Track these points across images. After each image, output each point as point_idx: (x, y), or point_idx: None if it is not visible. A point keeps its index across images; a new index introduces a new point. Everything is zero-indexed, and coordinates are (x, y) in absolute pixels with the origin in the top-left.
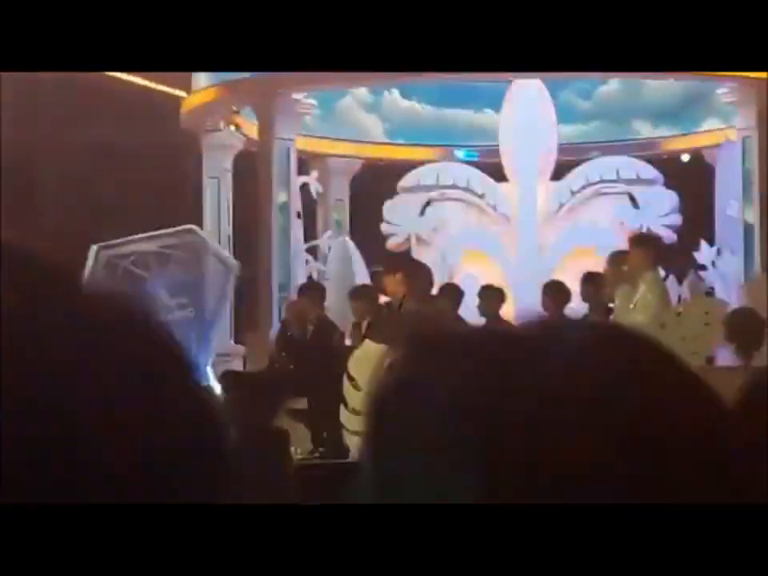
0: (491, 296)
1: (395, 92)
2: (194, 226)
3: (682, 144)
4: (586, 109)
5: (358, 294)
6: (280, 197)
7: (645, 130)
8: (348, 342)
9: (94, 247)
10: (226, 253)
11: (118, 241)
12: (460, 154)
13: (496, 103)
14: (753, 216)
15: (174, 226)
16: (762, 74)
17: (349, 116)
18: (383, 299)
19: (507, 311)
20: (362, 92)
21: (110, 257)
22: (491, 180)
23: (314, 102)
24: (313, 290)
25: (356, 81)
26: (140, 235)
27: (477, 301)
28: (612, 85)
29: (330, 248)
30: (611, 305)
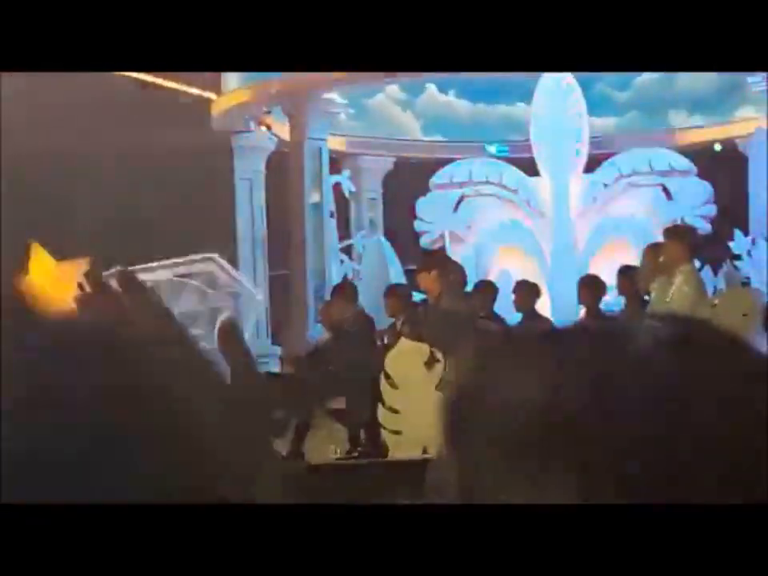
0: (526, 291)
1: (428, 88)
2: (214, 255)
3: (714, 134)
4: (618, 100)
5: (392, 292)
6: (313, 197)
7: (678, 120)
8: (385, 340)
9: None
10: (245, 282)
11: (138, 267)
12: (492, 149)
13: (529, 97)
14: None
15: (206, 230)
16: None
17: (381, 114)
18: (418, 297)
19: (543, 306)
20: (395, 89)
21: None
22: (524, 175)
23: (345, 101)
24: (346, 289)
25: (387, 78)
26: (159, 263)
27: (512, 297)
28: (645, 76)
29: (364, 247)
30: (647, 297)
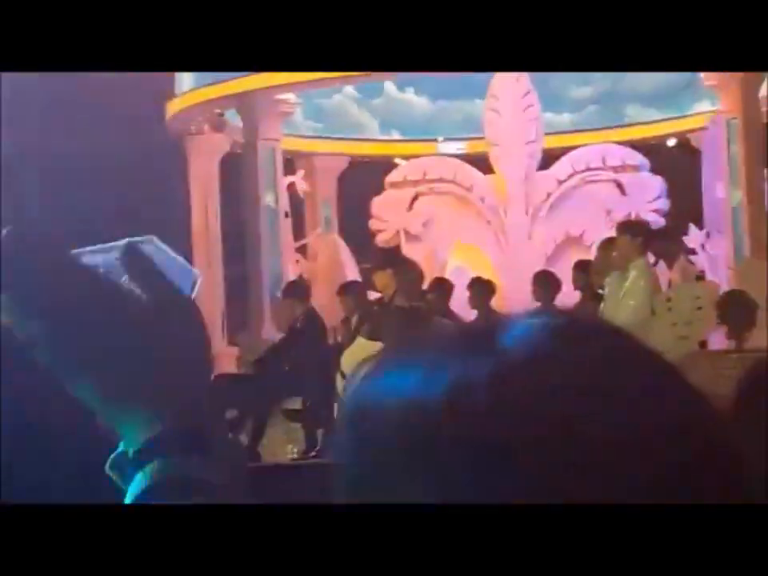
0: (481, 288)
1: (386, 86)
2: (153, 237)
3: (668, 128)
4: (573, 96)
5: (347, 290)
6: (267, 197)
7: (631, 115)
8: (339, 339)
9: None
10: (185, 263)
11: (84, 250)
12: (447, 146)
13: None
14: (740, 198)
15: (161, 231)
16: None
17: (338, 113)
18: (374, 295)
19: (498, 303)
20: (351, 89)
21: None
22: (478, 172)
23: (300, 100)
24: (297, 287)
25: (341, 81)
26: (99, 246)
27: (467, 293)
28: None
29: (319, 246)
30: (601, 291)
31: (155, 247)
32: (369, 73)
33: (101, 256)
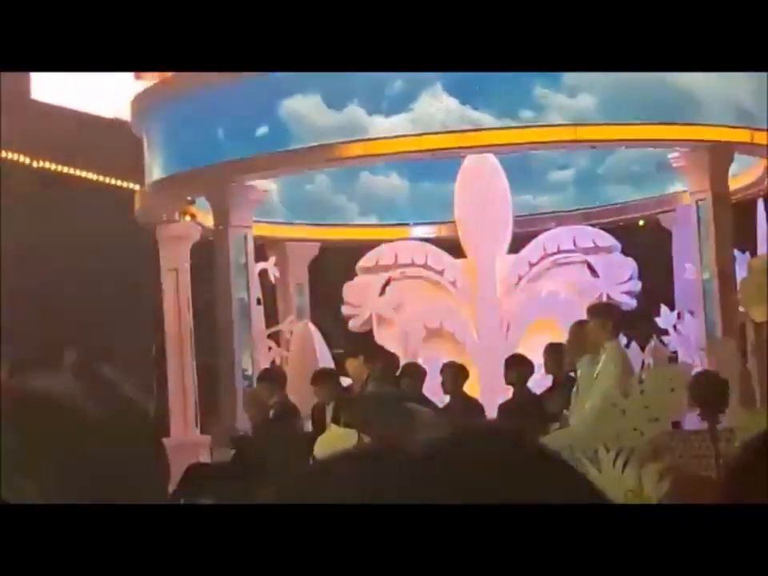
0: (453, 373)
1: (361, 174)
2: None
3: (637, 210)
4: (544, 179)
5: (319, 379)
6: (239, 284)
7: (601, 197)
8: (312, 426)
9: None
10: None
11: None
12: (418, 231)
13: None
14: (710, 279)
15: (135, 321)
16: (712, 137)
17: (312, 198)
18: (346, 382)
19: (472, 387)
20: (324, 177)
21: None
22: (449, 256)
23: (272, 186)
24: (273, 375)
25: (307, 165)
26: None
27: (440, 378)
28: (570, 155)
29: (291, 333)
30: (573, 375)
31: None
32: (343, 159)
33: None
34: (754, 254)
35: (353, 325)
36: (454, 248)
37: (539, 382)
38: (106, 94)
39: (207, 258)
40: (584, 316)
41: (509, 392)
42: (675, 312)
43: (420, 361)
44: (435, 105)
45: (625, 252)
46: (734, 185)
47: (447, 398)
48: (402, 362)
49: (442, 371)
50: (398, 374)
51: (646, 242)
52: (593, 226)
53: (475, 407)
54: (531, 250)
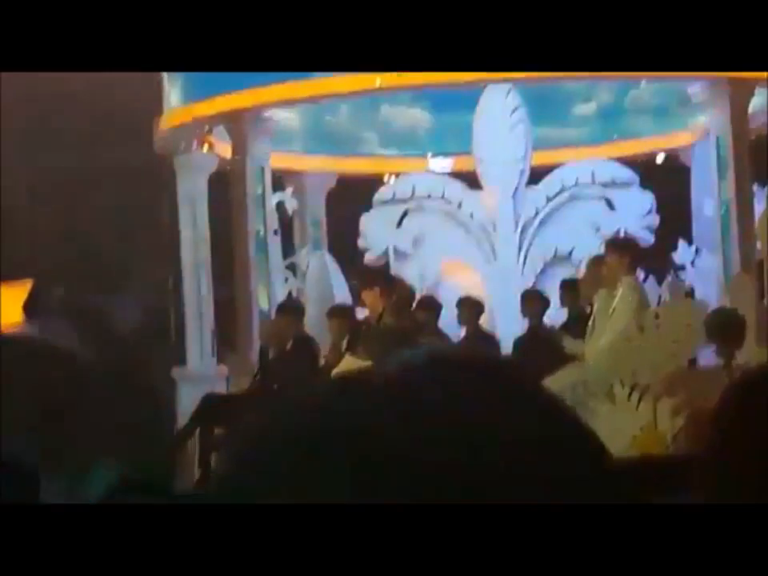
0: (469, 307)
1: (379, 102)
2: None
3: (656, 144)
4: (563, 111)
5: (336, 313)
6: (256, 215)
7: (620, 131)
8: (326, 360)
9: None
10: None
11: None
12: (435, 163)
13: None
14: (728, 214)
15: (150, 251)
16: (732, 72)
17: (331, 129)
18: (362, 314)
19: (488, 320)
20: (344, 108)
21: None
22: (467, 188)
23: (289, 115)
24: (291, 308)
25: (332, 96)
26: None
27: (456, 312)
28: (591, 86)
29: (307, 264)
30: (589, 309)
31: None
32: (364, 89)
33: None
34: None
35: (369, 257)
36: (471, 180)
37: (555, 316)
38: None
39: (224, 188)
40: (601, 250)
41: (525, 326)
42: (693, 247)
43: (436, 294)
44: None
45: (643, 187)
46: (753, 120)
47: (463, 332)
48: (418, 295)
49: (458, 305)
50: (413, 306)
51: (665, 177)
52: (611, 159)
53: (490, 341)
54: (549, 184)
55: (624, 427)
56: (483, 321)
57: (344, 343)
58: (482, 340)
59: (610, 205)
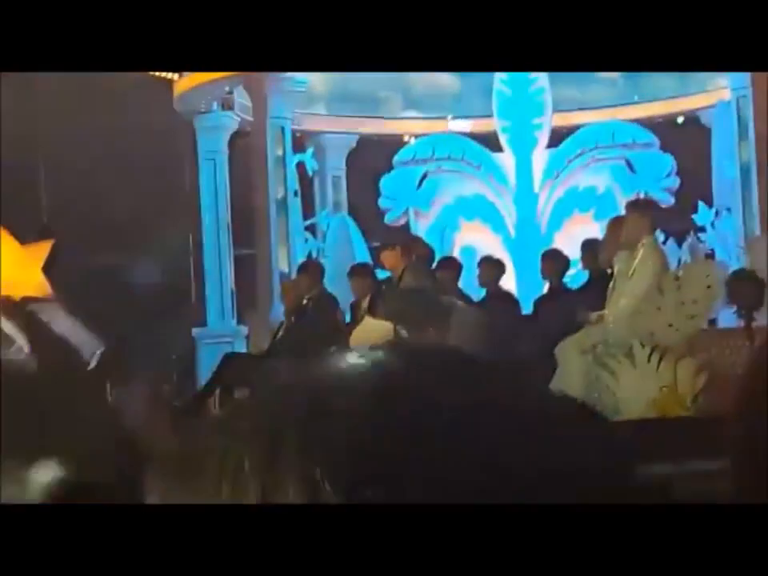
0: (490, 267)
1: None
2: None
3: (677, 106)
4: (582, 73)
5: (357, 272)
6: (276, 176)
7: (641, 93)
8: (348, 319)
9: None
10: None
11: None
12: (455, 125)
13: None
14: (749, 176)
15: (170, 211)
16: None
17: (353, 91)
18: (382, 275)
19: (508, 281)
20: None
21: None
22: (487, 150)
23: (311, 77)
24: (311, 267)
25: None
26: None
27: (477, 272)
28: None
29: (328, 225)
30: (609, 270)
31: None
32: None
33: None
34: None
35: (389, 218)
36: (492, 142)
37: (575, 277)
38: None
39: (245, 149)
40: (621, 212)
41: (544, 287)
42: (713, 209)
43: (456, 255)
44: None
45: (663, 148)
46: None
47: (483, 292)
48: (438, 256)
49: (479, 265)
50: (433, 267)
51: (685, 139)
52: (632, 121)
53: (510, 301)
54: (569, 145)
55: (644, 389)
56: (503, 282)
57: (365, 302)
58: (502, 300)
59: (630, 166)
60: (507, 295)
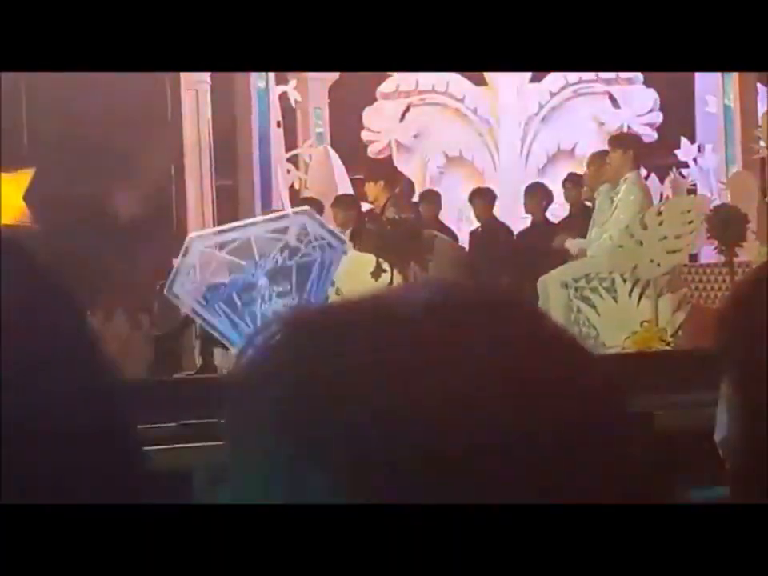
0: (482, 198)
1: None
2: (307, 208)
3: None
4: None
5: (341, 203)
6: (259, 107)
7: None
8: None
9: (187, 240)
10: (338, 233)
11: (218, 229)
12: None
13: None
14: (731, 112)
15: (153, 141)
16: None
17: None
18: (365, 207)
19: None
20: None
21: (204, 248)
22: (471, 83)
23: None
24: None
25: None
26: (249, 220)
27: (468, 205)
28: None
29: (310, 156)
30: (589, 204)
31: (309, 218)
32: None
33: (251, 230)
34: None
35: (372, 150)
36: (475, 76)
37: (557, 211)
38: None
39: (226, 79)
40: (604, 146)
41: (527, 220)
42: (695, 145)
43: (438, 188)
44: None
45: (647, 83)
46: None
47: (478, 224)
48: (420, 189)
49: (470, 199)
50: (415, 200)
51: (669, 74)
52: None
53: (505, 231)
54: (553, 79)
55: (625, 322)
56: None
57: (347, 233)
58: (496, 231)
59: (613, 101)
60: (502, 225)
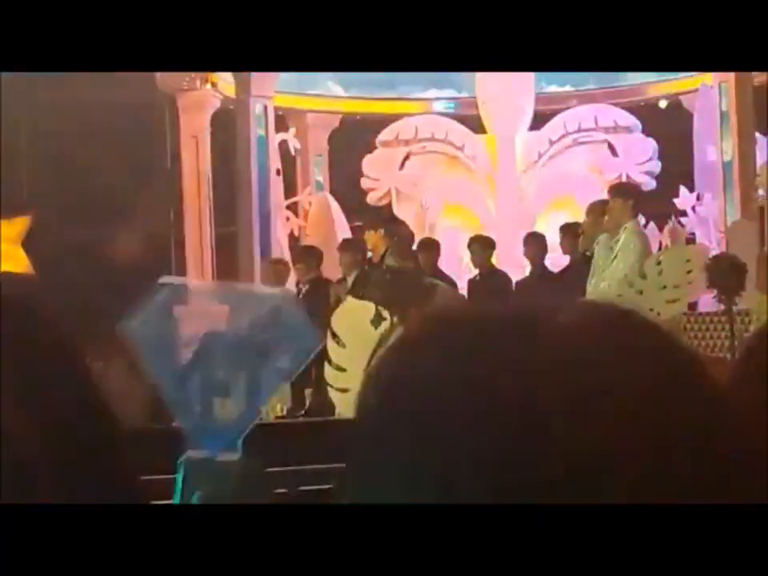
0: (482, 246)
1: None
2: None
3: (660, 90)
4: None
5: (348, 247)
6: (258, 154)
7: (624, 77)
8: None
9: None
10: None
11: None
12: (439, 106)
13: None
14: (730, 161)
15: (150, 185)
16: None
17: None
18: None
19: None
20: None
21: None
22: (470, 131)
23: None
24: (309, 253)
25: None
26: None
27: (468, 254)
28: None
29: (310, 204)
30: (589, 254)
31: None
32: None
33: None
34: None
35: (372, 198)
36: (475, 124)
37: (556, 260)
38: None
39: (227, 127)
40: (603, 195)
41: (525, 269)
42: (694, 193)
43: (437, 236)
44: None
45: (646, 132)
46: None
47: (475, 271)
48: (419, 237)
49: (469, 246)
50: (415, 248)
51: (668, 123)
52: (615, 105)
53: (504, 279)
54: (552, 128)
55: None
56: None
57: (351, 279)
58: (495, 278)
59: (612, 150)
60: (501, 273)
